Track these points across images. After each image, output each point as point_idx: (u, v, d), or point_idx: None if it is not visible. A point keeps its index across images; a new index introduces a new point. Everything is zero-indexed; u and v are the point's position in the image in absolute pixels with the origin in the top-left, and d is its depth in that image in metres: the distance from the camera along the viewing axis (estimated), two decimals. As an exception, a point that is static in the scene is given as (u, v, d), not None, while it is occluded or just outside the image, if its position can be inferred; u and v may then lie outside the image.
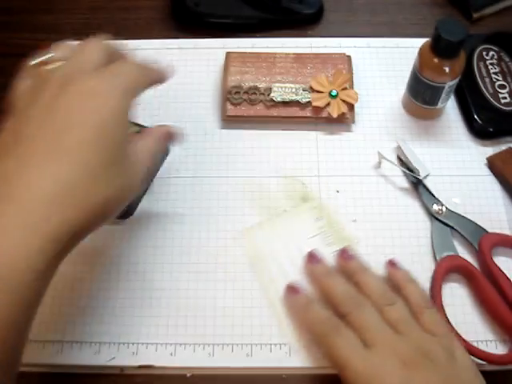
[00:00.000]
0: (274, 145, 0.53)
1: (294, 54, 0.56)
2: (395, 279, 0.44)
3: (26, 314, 0.32)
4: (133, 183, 0.37)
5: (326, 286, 0.43)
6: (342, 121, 0.53)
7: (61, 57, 0.37)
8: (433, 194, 0.50)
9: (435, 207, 0.49)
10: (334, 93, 0.53)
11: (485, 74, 0.55)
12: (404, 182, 0.51)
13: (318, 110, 0.53)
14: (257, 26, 0.61)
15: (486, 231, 0.48)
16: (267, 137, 0.54)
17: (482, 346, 0.44)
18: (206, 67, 0.58)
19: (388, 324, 0.39)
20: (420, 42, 0.50)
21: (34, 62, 0.37)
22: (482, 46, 0.57)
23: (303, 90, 0.53)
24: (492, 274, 0.45)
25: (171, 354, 0.44)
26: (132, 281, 0.47)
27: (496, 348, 0.44)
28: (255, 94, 0.53)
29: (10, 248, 0.30)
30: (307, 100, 0.53)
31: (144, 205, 0.48)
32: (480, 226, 0.48)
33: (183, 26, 0.61)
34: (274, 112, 0.53)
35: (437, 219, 0.49)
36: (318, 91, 0.53)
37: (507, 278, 0.45)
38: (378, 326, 0.39)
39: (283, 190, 0.51)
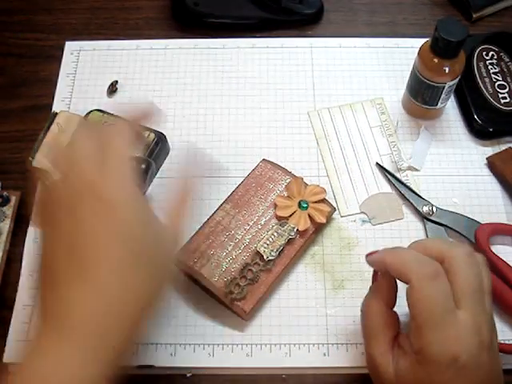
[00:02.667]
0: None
1: (226, 200, 0.48)
2: None
3: None
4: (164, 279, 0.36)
5: (422, 243, 0.38)
6: (332, 215, 0.49)
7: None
8: (420, 196, 0.50)
9: (425, 209, 0.49)
10: (304, 205, 0.47)
11: (485, 74, 0.55)
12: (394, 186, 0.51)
13: (306, 229, 0.47)
14: (257, 26, 0.61)
15: (479, 223, 0.48)
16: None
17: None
18: (206, 67, 0.58)
19: None
20: (420, 41, 0.50)
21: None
22: (482, 46, 0.57)
23: (281, 226, 0.46)
24: (493, 263, 0.45)
25: (171, 354, 0.44)
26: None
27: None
28: (251, 270, 0.45)
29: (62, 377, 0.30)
30: (295, 231, 0.46)
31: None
32: (473, 219, 0.48)
33: (183, 26, 0.61)
34: (279, 267, 0.45)
35: (429, 220, 0.49)
36: (292, 215, 0.47)
37: (508, 264, 0.45)
38: (476, 290, 0.35)
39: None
